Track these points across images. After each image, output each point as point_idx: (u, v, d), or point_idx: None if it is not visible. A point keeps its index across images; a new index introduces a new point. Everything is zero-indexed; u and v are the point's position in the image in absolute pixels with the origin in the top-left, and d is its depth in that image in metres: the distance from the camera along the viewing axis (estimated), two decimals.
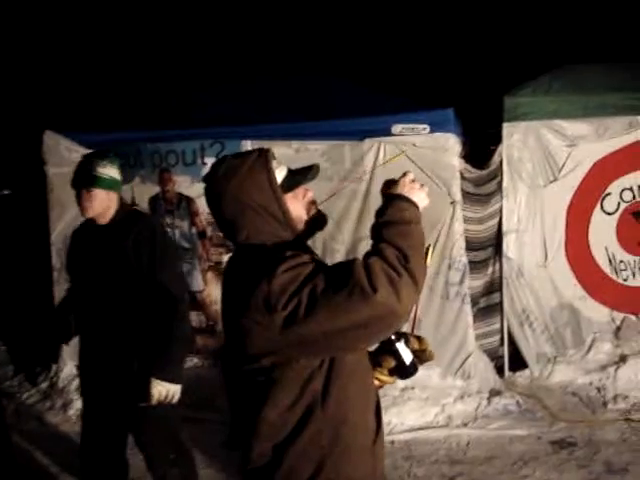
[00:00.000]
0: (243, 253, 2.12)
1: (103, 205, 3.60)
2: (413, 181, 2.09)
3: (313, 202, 2.19)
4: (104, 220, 3.65)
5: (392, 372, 2.28)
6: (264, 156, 2.10)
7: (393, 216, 1.98)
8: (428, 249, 2.05)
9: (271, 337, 1.89)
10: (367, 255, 1.89)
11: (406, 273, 1.83)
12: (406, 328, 2.31)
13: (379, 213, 2.03)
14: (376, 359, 2.28)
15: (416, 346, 2.30)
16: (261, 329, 1.90)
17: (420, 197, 2.07)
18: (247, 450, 2.07)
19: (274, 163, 2.11)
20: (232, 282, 2.11)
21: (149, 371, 3.53)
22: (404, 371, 2.26)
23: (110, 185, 3.63)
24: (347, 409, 2.04)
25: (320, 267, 1.94)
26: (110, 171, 3.64)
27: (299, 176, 2.16)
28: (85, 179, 3.58)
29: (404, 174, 2.11)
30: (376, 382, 2.30)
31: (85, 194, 3.55)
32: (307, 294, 1.84)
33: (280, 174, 2.11)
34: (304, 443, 2.01)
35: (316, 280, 1.86)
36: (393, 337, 2.22)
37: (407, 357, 2.24)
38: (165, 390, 3.55)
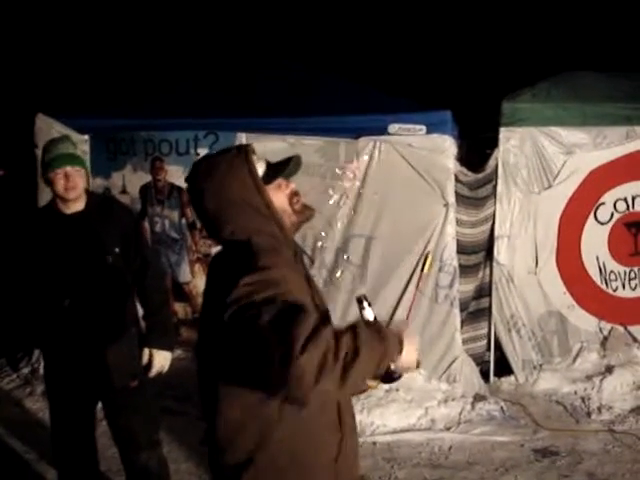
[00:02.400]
0: (228, 250, 2.10)
1: (83, 186, 3.58)
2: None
3: (296, 193, 2.16)
4: (79, 205, 3.57)
5: (375, 376, 2.24)
6: (244, 151, 2.09)
7: (381, 334, 1.91)
8: (427, 257, 2.01)
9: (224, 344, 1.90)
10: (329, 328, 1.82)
11: (340, 369, 1.75)
12: None
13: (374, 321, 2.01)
14: None
15: None
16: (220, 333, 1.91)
17: (409, 353, 2.00)
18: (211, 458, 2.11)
19: (254, 157, 2.10)
20: (213, 280, 2.11)
21: (145, 344, 3.64)
22: (388, 376, 2.20)
23: (86, 168, 3.65)
24: (303, 428, 1.99)
25: (282, 291, 1.86)
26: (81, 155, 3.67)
27: (279, 167, 2.14)
28: (71, 158, 3.52)
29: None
30: None
31: (73, 173, 3.49)
32: (249, 317, 1.80)
33: (260, 168, 2.10)
34: (261, 466, 1.98)
35: (267, 308, 1.79)
36: None
37: None
38: (164, 359, 3.65)
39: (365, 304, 2.18)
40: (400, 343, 1.97)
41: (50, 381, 3.77)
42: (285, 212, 2.11)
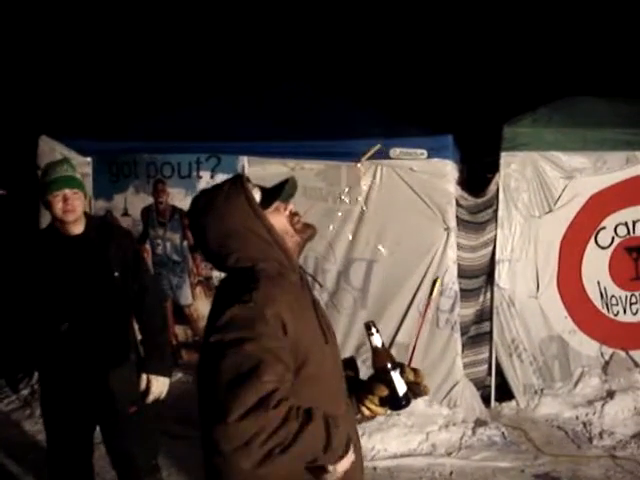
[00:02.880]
0: (232, 277, 2.12)
1: (82, 209, 3.58)
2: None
3: (295, 214, 2.18)
4: (78, 228, 3.58)
5: (383, 402, 2.23)
6: (239, 181, 2.12)
7: (329, 441, 1.88)
8: (435, 282, 2.01)
9: None
10: (284, 406, 1.81)
11: (263, 454, 1.76)
12: (403, 358, 2.27)
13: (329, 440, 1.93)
14: (369, 386, 2.23)
15: (411, 378, 2.24)
16: None
17: (345, 465, 1.97)
18: None
19: (249, 185, 2.12)
20: (215, 305, 2.13)
21: (143, 370, 3.61)
22: (396, 402, 2.20)
23: (85, 191, 3.66)
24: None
25: (254, 335, 1.87)
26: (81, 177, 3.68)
27: (275, 191, 2.15)
28: (69, 181, 3.52)
29: None
30: (367, 412, 2.25)
31: (71, 195, 3.49)
32: (214, 357, 1.86)
33: (256, 195, 2.12)
34: None
35: (231, 353, 1.83)
36: (389, 366, 2.17)
37: (401, 388, 2.18)
38: (162, 385, 3.62)
39: (373, 330, 2.20)
40: (344, 453, 1.95)
41: (47, 405, 3.74)
42: (287, 233, 2.13)
